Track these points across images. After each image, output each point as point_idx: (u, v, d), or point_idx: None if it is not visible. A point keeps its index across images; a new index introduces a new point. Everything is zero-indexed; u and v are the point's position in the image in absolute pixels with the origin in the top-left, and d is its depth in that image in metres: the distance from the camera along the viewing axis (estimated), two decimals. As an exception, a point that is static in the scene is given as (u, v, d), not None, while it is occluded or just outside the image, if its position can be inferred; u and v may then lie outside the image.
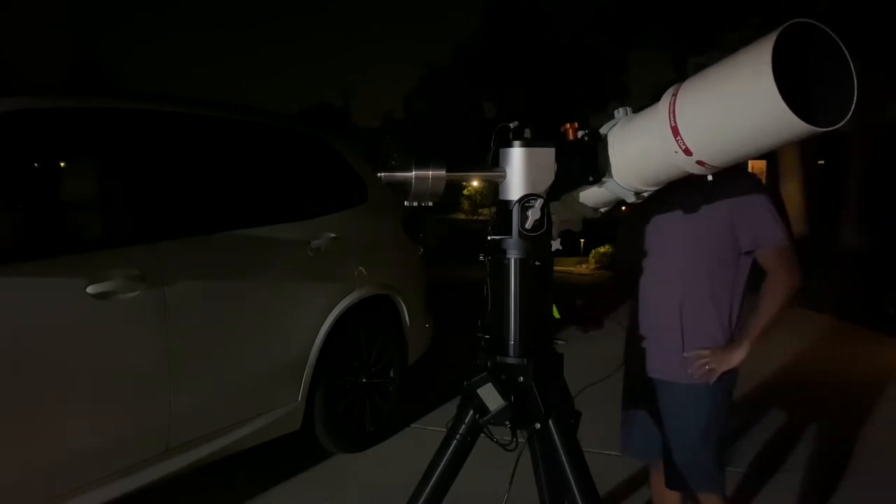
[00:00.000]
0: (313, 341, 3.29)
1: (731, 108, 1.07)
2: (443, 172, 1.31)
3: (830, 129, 1.01)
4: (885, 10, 9.35)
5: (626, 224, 2.16)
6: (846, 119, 1.01)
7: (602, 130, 1.35)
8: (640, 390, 2.12)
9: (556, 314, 2.04)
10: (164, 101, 3.07)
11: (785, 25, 0.96)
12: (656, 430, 2.09)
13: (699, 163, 1.17)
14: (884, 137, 9.85)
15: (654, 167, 1.25)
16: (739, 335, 1.97)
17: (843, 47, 1.02)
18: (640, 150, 1.26)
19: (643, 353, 2.07)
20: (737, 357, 1.94)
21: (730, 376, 2.00)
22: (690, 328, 1.98)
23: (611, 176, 1.32)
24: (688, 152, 1.14)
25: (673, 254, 1.98)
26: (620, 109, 1.35)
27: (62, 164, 2.71)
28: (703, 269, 1.95)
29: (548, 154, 1.33)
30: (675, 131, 1.13)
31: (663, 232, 1.97)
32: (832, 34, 1.02)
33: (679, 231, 1.95)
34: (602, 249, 13.99)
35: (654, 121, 1.17)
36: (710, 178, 1.23)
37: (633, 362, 2.12)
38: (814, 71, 1.05)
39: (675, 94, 1.14)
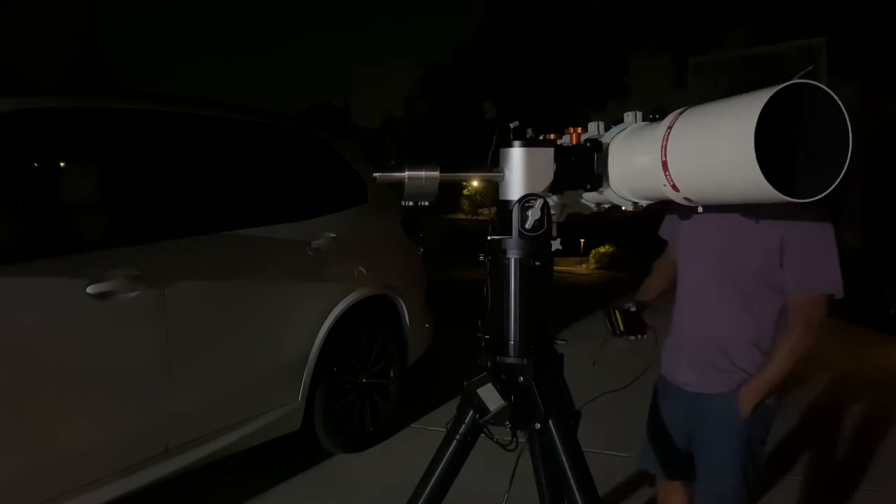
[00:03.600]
0: (313, 341, 3.29)
1: (714, 166, 1.06)
2: (436, 173, 1.31)
3: (811, 200, 0.99)
4: (885, 10, 9.34)
5: (672, 216, 2.10)
6: (829, 190, 1.00)
7: (605, 138, 1.33)
8: (670, 400, 2.09)
9: (622, 326, 1.92)
10: (164, 101, 3.07)
11: (782, 85, 0.94)
12: (684, 445, 2.07)
13: (687, 199, 1.17)
14: (884, 137, 9.83)
15: (647, 188, 1.24)
16: (752, 377, 1.89)
17: (844, 110, 1.00)
18: (635, 170, 1.25)
19: (676, 364, 2.05)
20: (746, 408, 1.87)
21: (765, 404, 1.93)
22: (726, 342, 1.92)
23: (608, 185, 1.32)
24: (675, 188, 1.14)
25: (708, 262, 1.93)
26: (630, 114, 1.33)
27: (62, 165, 2.71)
28: (738, 284, 1.87)
29: (546, 154, 1.33)
30: (665, 166, 1.13)
31: (703, 234, 1.92)
32: (833, 95, 0.99)
33: (716, 239, 1.88)
34: (602, 249, 13.96)
35: (650, 146, 1.16)
36: (700, 210, 1.22)
37: (666, 370, 2.10)
38: (810, 127, 1.03)
39: (669, 128, 1.13)
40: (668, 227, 2.19)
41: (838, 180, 1.00)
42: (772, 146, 0.95)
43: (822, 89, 0.98)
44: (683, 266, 2.07)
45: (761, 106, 0.93)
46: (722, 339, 1.93)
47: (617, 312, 1.98)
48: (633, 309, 2.03)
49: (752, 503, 2.04)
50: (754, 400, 1.88)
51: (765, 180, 0.94)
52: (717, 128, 1.05)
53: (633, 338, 2.00)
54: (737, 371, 1.92)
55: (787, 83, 0.95)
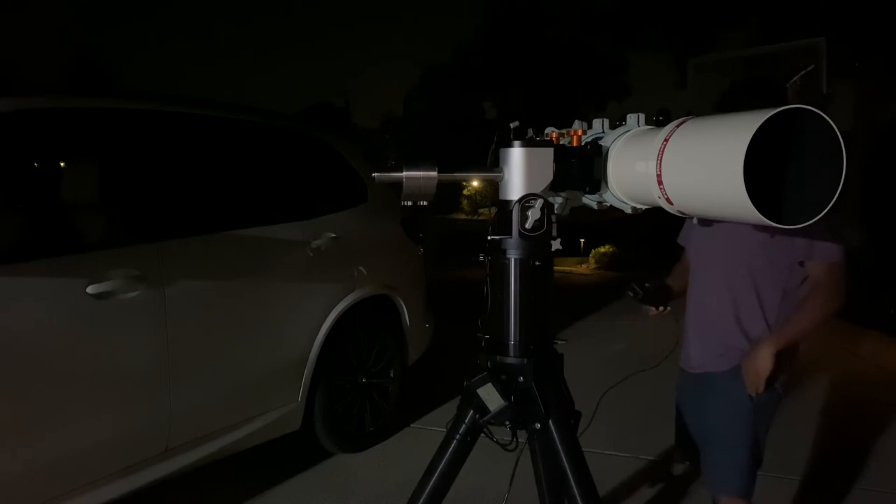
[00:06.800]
0: (313, 341, 3.29)
1: (705, 188, 1.06)
2: (433, 173, 1.31)
3: (797, 227, 1.00)
4: (885, 9, 9.34)
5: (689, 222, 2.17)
6: (817, 217, 1.00)
7: (606, 140, 1.33)
8: (685, 388, 2.18)
9: (640, 291, 2.09)
10: (164, 101, 3.07)
11: (774, 111, 0.93)
12: (698, 431, 2.14)
13: (680, 212, 1.17)
14: (884, 137, 9.84)
15: (644, 196, 1.25)
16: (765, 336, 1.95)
17: (840, 137, 0.99)
18: (632, 178, 1.25)
19: (688, 348, 2.12)
20: (762, 363, 1.91)
21: (773, 386, 1.99)
22: (734, 314, 1.99)
23: (607, 188, 1.32)
24: (669, 202, 1.14)
25: (720, 249, 2.00)
26: (633, 116, 1.32)
27: (62, 164, 2.71)
28: (749, 268, 1.96)
29: (546, 154, 1.33)
30: (660, 180, 1.13)
31: (713, 224, 1.97)
32: (831, 122, 0.98)
33: (728, 225, 1.92)
34: (602, 249, 13.94)
35: (647, 156, 1.16)
36: (695, 221, 1.24)
37: (681, 359, 2.18)
38: (805, 149, 1.03)
39: (666, 140, 1.13)
40: (685, 236, 2.25)
41: (827, 208, 1.00)
42: (764, 168, 0.95)
43: (818, 114, 0.98)
44: (694, 246, 2.15)
45: (751, 133, 0.93)
46: (730, 311, 1.99)
47: (634, 284, 2.12)
48: (647, 285, 2.14)
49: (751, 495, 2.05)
50: (769, 352, 1.90)
51: (754, 208, 0.94)
52: (709, 151, 1.05)
53: (652, 309, 2.10)
54: (744, 344, 1.98)
55: (780, 108, 0.94)
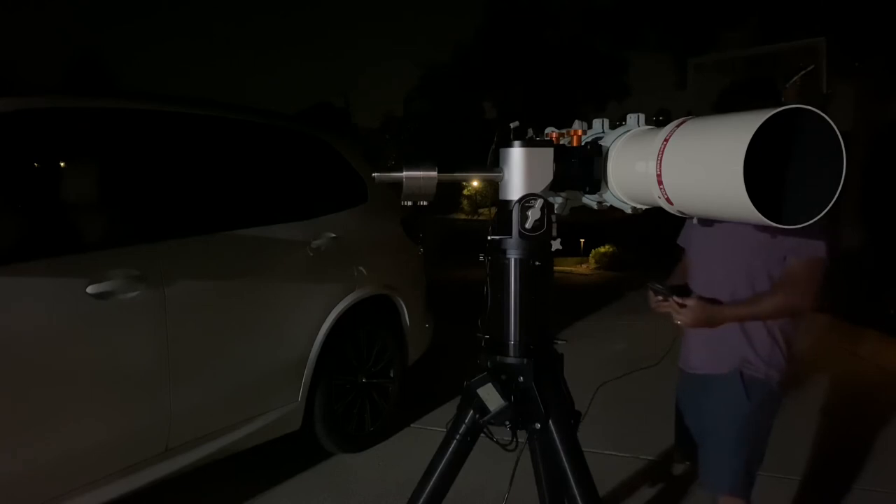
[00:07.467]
0: (313, 341, 3.29)
1: (706, 188, 1.06)
2: (433, 174, 1.32)
3: (797, 227, 1.00)
4: (885, 9, 9.33)
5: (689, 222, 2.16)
6: (817, 218, 1.00)
7: (606, 140, 1.33)
8: (685, 390, 2.18)
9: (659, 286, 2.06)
10: (164, 101, 3.07)
11: (773, 111, 0.94)
12: (698, 432, 2.14)
13: (680, 212, 1.17)
14: (884, 137, 9.83)
15: (644, 196, 1.25)
16: (727, 308, 1.95)
17: (840, 137, 0.99)
18: (632, 178, 1.25)
19: (688, 349, 2.13)
20: (693, 318, 1.90)
21: (771, 387, 2.00)
22: (736, 326, 1.98)
23: (607, 188, 1.32)
24: (669, 202, 1.15)
25: (720, 249, 2.01)
26: (633, 117, 1.32)
27: (62, 165, 2.71)
28: (750, 268, 1.96)
29: (546, 154, 1.33)
30: (660, 180, 1.13)
31: (713, 224, 1.97)
32: (831, 122, 0.99)
33: (728, 225, 1.92)
34: (602, 249, 13.94)
35: (647, 156, 1.16)
36: (694, 221, 1.25)
37: (681, 360, 2.18)
38: (805, 149, 1.03)
39: (666, 140, 1.13)
40: (685, 236, 2.25)
41: (827, 208, 1.00)
42: (764, 168, 0.96)
43: (818, 114, 0.98)
44: (693, 246, 2.15)
45: (751, 133, 0.93)
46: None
47: (655, 282, 2.09)
48: (666, 283, 2.14)
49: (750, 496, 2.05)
50: (702, 312, 1.90)
51: (754, 209, 0.94)
52: (709, 151, 1.06)
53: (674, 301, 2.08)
54: (745, 346, 1.97)
55: (780, 108, 0.94)
